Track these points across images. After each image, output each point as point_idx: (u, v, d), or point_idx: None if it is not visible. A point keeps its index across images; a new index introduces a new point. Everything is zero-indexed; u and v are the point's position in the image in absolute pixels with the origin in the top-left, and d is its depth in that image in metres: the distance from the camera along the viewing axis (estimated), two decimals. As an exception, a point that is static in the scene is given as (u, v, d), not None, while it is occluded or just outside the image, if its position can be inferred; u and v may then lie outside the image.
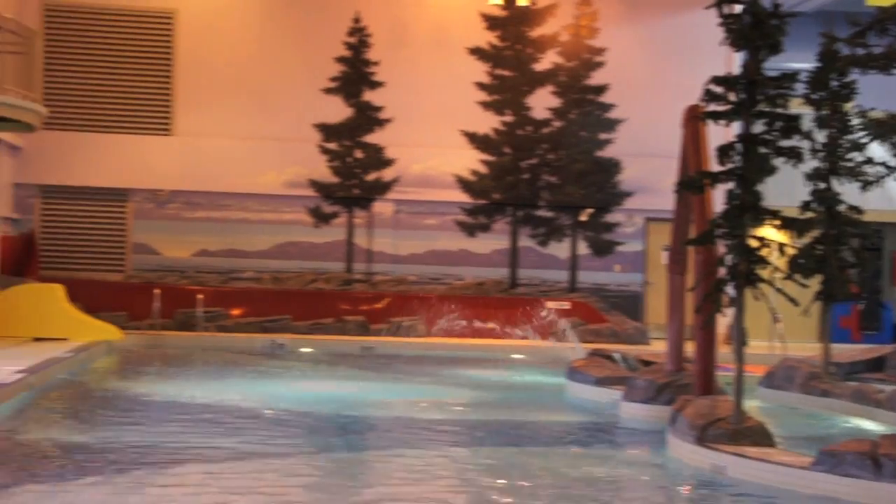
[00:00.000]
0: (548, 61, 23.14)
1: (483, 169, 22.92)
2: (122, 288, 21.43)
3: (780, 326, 18.59)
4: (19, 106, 17.93)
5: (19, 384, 11.87)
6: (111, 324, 18.45)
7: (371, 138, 22.75)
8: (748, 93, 9.51)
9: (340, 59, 22.62)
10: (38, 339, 17.05)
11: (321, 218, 22.64)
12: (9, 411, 10.84)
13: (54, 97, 21.39)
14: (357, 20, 22.66)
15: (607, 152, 23.20)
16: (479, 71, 22.93)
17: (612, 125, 23.21)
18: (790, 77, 9.55)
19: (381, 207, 22.79)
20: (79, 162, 21.81)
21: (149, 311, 20.11)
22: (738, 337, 9.35)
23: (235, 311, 21.14)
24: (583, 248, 23.23)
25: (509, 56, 23.03)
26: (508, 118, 23.06)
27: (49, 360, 14.24)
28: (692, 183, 10.42)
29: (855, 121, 13.88)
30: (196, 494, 7.59)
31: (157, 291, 20.16)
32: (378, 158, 22.71)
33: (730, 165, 9.51)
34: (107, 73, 22.03)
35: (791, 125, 9.48)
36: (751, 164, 9.42)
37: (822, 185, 13.58)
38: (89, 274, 21.74)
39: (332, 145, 22.61)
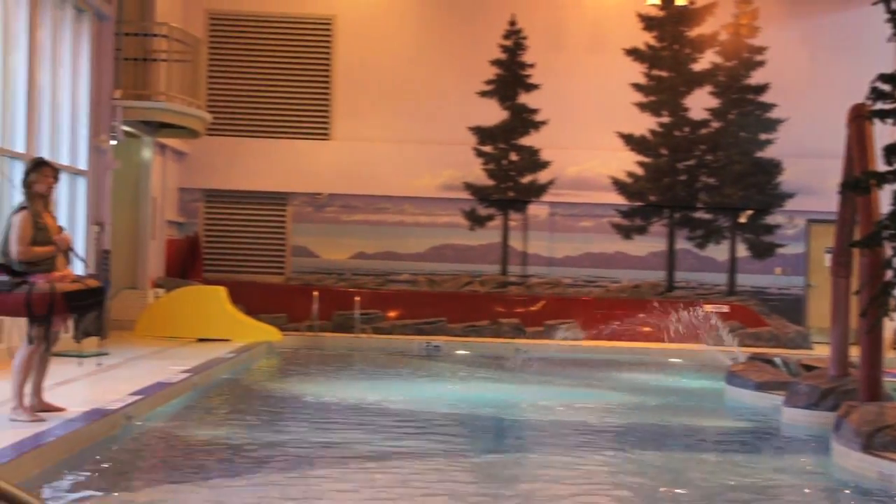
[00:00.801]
0: (706, 61, 22.79)
1: (639, 171, 22.69)
2: (281, 290, 21.86)
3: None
4: (185, 113, 18.47)
5: (184, 384, 12.20)
6: (271, 325, 18.82)
7: (526, 141, 22.73)
8: (916, 89, 9.18)
9: (496, 62, 22.66)
10: (201, 340, 17.49)
11: (476, 221, 22.72)
12: (174, 410, 11.16)
13: (217, 103, 21.96)
14: (513, 23, 22.67)
15: (767, 153, 22.73)
16: (636, 72, 22.70)
17: (772, 125, 22.72)
18: (961, 72, 9.19)
19: (537, 210, 22.75)
20: (240, 166, 22.33)
21: (307, 312, 20.47)
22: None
23: (391, 313, 21.36)
24: (742, 251, 22.79)
25: (666, 56, 22.75)
26: (665, 119, 22.77)
27: (212, 360, 14.61)
28: (857, 183, 10.12)
29: None
30: (354, 492, 7.68)
31: (315, 293, 20.51)
32: (533, 161, 22.68)
33: (897, 165, 9.20)
34: (267, 79, 22.52)
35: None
36: (919, 163, 9.10)
37: None
38: (250, 276, 22.24)
39: (487, 148, 22.67)
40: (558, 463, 9.13)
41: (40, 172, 9.03)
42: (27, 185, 8.98)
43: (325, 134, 22.68)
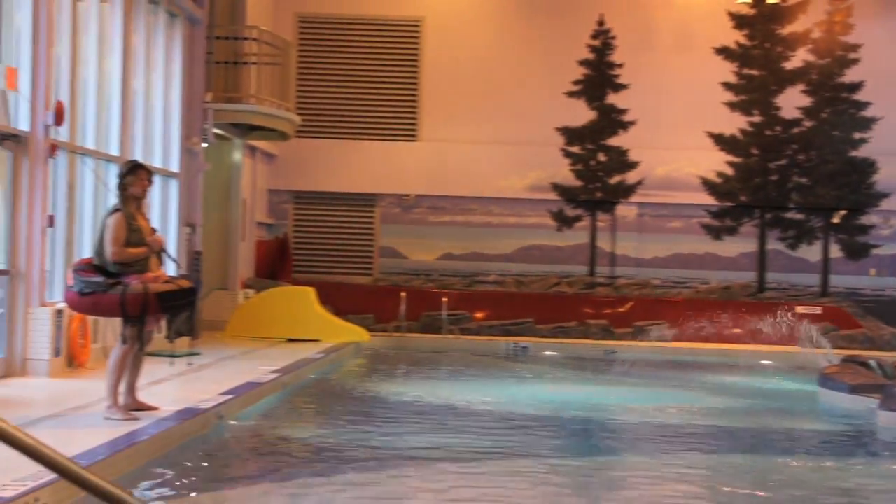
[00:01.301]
0: (798, 59, 22.46)
1: (729, 171, 22.44)
2: (369, 291, 21.99)
3: None
4: (274, 115, 18.67)
5: (274, 384, 12.33)
6: (359, 326, 18.93)
7: (614, 141, 22.61)
8: None
9: (584, 62, 22.57)
10: (290, 340, 17.66)
11: (564, 221, 22.65)
12: (263, 409, 11.28)
13: (306, 106, 22.16)
14: (601, 23, 22.56)
15: (861, 152, 22.33)
16: (726, 71, 22.46)
17: (867, 124, 22.32)
18: None
19: (625, 210, 22.61)
20: (329, 168, 22.51)
21: (395, 313, 20.56)
22: None
23: (479, 314, 21.37)
24: (835, 252, 22.42)
25: (757, 55, 22.47)
26: (756, 118, 22.50)
27: (301, 360, 14.74)
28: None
29: None
30: (441, 492, 7.69)
31: (403, 294, 20.60)
32: (621, 161, 22.54)
33: None
34: (356, 81, 22.67)
35: None
36: None
37: None
38: (339, 277, 22.41)
39: (574, 149, 22.59)
40: (650, 466, 9.06)
41: (136, 175, 9.18)
42: (122, 187, 9.13)
43: (412, 135, 22.77)
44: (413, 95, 22.74)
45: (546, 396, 13.36)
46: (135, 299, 8.81)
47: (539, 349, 19.42)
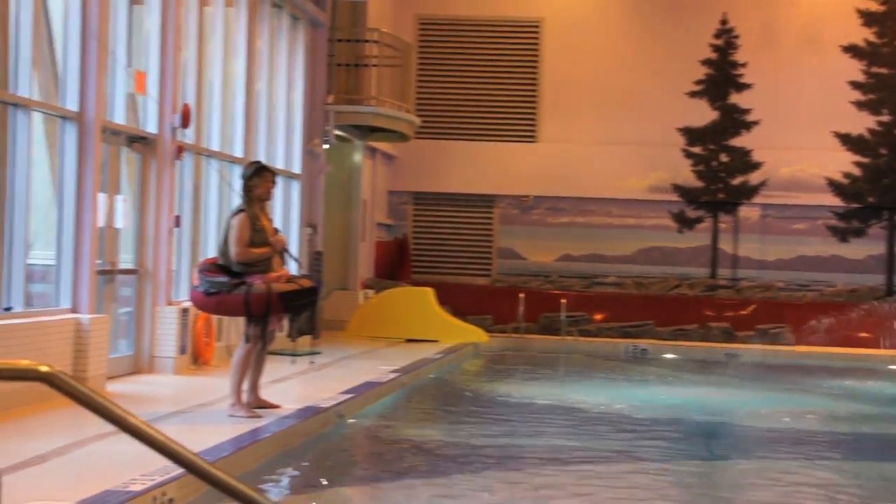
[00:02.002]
0: (929, 56, 21.89)
1: (856, 171, 21.96)
2: (488, 292, 22.03)
3: None
4: (395, 116, 18.83)
5: (393, 383, 12.44)
6: (478, 326, 18.97)
7: (737, 141, 22.30)
8: None
9: (706, 62, 22.31)
10: (409, 341, 17.78)
11: (685, 223, 22.41)
12: (383, 409, 11.40)
13: (426, 107, 22.30)
14: (724, 22, 22.28)
15: None
16: (854, 69, 21.99)
17: None
18: None
19: (748, 212, 22.29)
20: (448, 169, 22.61)
21: (513, 314, 20.56)
22: None
23: (598, 316, 21.27)
24: (967, 255, 21.79)
25: (887, 53, 21.96)
26: (885, 118, 21.99)
27: (420, 360, 14.84)
28: None
29: None
30: (560, 491, 7.69)
31: (521, 295, 20.59)
32: (744, 162, 22.23)
33: None
34: (475, 82, 22.74)
35: None
36: None
37: None
38: (457, 278, 22.49)
39: (696, 149, 22.34)
40: (769, 470, 8.94)
41: (261, 177, 9.34)
42: (247, 188, 9.29)
43: (531, 136, 22.75)
44: (532, 96, 22.72)
45: (665, 399, 13.24)
46: (258, 299, 8.97)
47: (659, 351, 19.24)
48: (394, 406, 11.74)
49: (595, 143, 22.38)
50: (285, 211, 16.61)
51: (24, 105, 9.62)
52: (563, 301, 20.63)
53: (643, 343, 19.66)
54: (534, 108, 22.73)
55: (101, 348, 10.24)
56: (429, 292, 18.72)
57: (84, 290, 10.31)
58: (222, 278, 9.05)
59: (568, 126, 22.52)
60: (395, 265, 21.93)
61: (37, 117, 10.07)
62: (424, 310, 18.39)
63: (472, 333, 18.48)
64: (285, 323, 9.56)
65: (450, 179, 22.65)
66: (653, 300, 21.65)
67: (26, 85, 9.65)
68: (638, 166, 22.31)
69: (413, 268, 22.49)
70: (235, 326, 13.01)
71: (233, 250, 9.09)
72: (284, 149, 16.57)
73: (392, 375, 12.77)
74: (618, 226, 22.58)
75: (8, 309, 9.39)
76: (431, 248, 22.85)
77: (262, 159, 12.49)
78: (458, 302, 20.89)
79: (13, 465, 6.55)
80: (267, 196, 9.36)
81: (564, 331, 20.29)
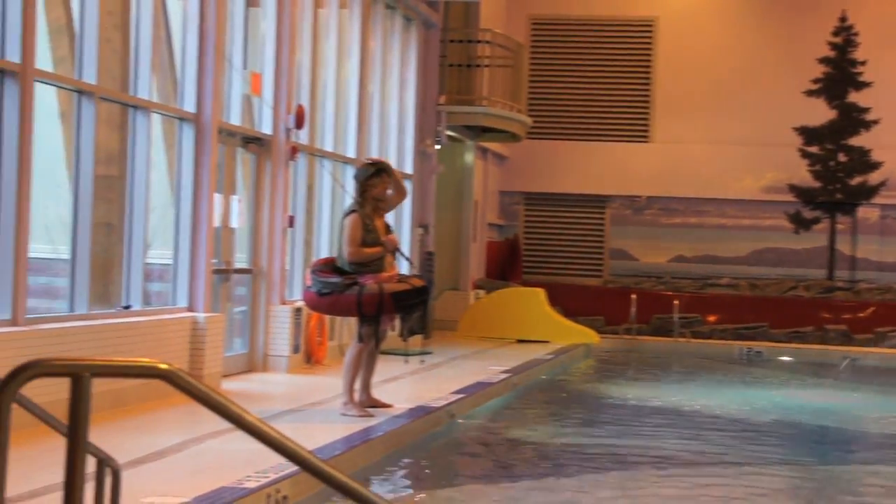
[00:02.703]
0: None
1: (981, 171, 21.36)
2: (599, 292, 21.91)
3: None
4: (506, 117, 18.83)
5: (504, 384, 12.44)
6: (589, 328, 18.89)
7: (856, 141, 21.84)
8: None
9: (824, 60, 21.90)
10: (520, 341, 17.77)
11: (801, 223, 22.02)
12: (493, 409, 11.41)
13: (537, 107, 22.25)
14: (843, 19, 21.84)
15: None
16: (978, 65, 21.38)
17: None
18: None
19: (866, 212, 21.81)
20: (560, 170, 22.54)
21: (625, 315, 20.42)
22: None
23: (711, 318, 21.02)
24: None
25: None
26: None
27: (531, 361, 14.81)
28: None
29: None
30: (674, 496, 7.62)
31: (633, 296, 20.45)
32: (863, 162, 21.76)
33: None
34: (587, 82, 22.63)
35: None
36: None
37: None
38: (568, 278, 22.41)
39: (813, 149, 21.94)
40: (887, 476, 8.73)
41: (380, 178, 9.37)
42: (364, 188, 9.32)
43: (644, 136, 22.56)
44: (646, 96, 22.53)
45: (780, 403, 13.03)
46: (371, 299, 9.03)
47: (773, 354, 18.94)
48: (504, 407, 11.74)
49: (709, 143, 22.11)
50: (397, 211, 16.70)
51: (144, 107, 9.83)
52: (676, 302, 20.43)
53: (757, 345, 19.37)
54: (647, 107, 22.53)
55: (217, 346, 10.42)
56: (540, 293, 18.68)
57: (200, 289, 10.50)
58: (335, 279, 9.13)
59: (682, 126, 22.28)
60: (506, 265, 21.93)
61: (155, 119, 10.28)
62: (535, 310, 18.37)
63: (584, 334, 18.39)
64: (397, 322, 9.61)
65: (561, 180, 22.57)
66: (767, 302, 21.32)
67: (146, 87, 9.86)
68: (753, 166, 21.98)
69: (524, 268, 22.47)
70: (348, 326, 13.13)
71: (345, 250, 9.18)
72: (396, 149, 16.67)
73: (503, 376, 12.77)
74: (732, 226, 22.28)
75: (127, 307, 9.61)
76: (542, 249, 22.80)
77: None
78: (569, 303, 20.82)
79: (132, 461, 6.70)
80: (382, 196, 9.39)
81: (677, 332, 20.09)
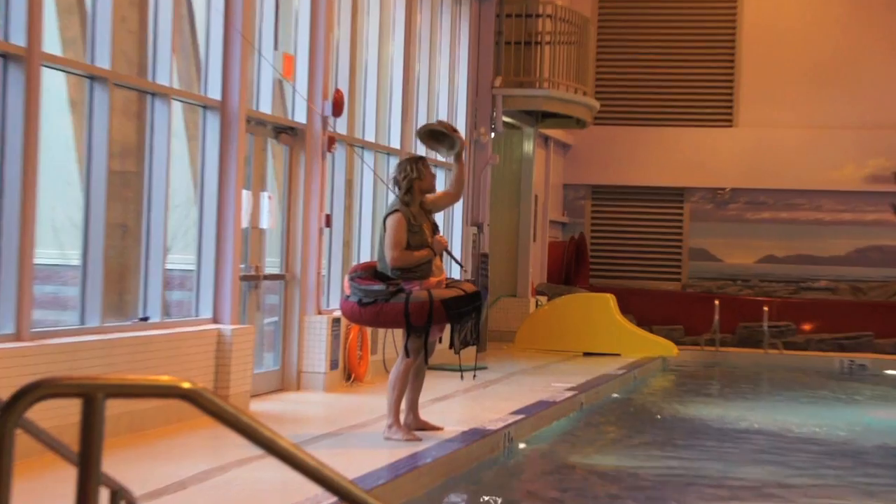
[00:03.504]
0: None
1: None
2: (677, 298, 21.82)
3: None
4: (570, 100, 18.80)
5: (569, 403, 12.41)
6: (666, 339, 18.81)
7: (971, 123, 21.63)
8: None
9: (933, 31, 21.69)
10: (587, 354, 17.73)
11: (909, 218, 21.83)
12: (557, 432, 11.39)
13: (606, 89, 22.21)
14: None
15: None
16: None
17: None
18: None
19: (985, 205, 21.59)
20: (631, 159, 22.47)
21: (707, 324, 20.31)
22: None
23: (807, 326, 20.86)
24: None
25: None
26: None
27: (600, 377, 14.78)
28: None
29: None
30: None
31: (716, 302, 20.34)
32: (980, 146, 21.54)
33: None
34: (662, 60, 22.56)
35: None
36: None
37: None
38: (642, 283, 22.34)
39: (922, 132, 21.74)
40: None
41: (425, 166, 9.40)
42: (407, 184, 9.33)
43: (727, 120, 22.44)
44: (729, 75, 22.41)
45: (887, 424, 12.91)
46: (419, 307, 9.03)
47: (879, 367, 18.77)
48: (570, 429, 11.72)
49: (803, 127, 21.95)
50: (448, 209, 16.71)
51: (164, 94, 9.91)
52: (766, 309, 20.29)
53: (860, 357, 19.20)
54: (730, 87, 22.41)
55: (245, 363, 10.49)
56: (609, 299, 18.63)
57: (226, 297, 10.57)
58: (377, 286, 9.14)
59: (771, 108, 22.14)
60: (570, 268, 21.90)
61: (176, 107, 10.36)
62: (605, 319, 18.32)
63: (660, 346, 18.32)
64: (446, 334, 9.61)
65: (634, 170, 22.52)
66: (872, 308, 21.12)
67: (166, 72, 9.94)
68: (854, 153, 21.79)
69: (591, 271, 22.43)
70: (392, 339, 13.16)
71: (388, 254, 9.18)
72: (446, 138, 16.68)
73: (568, 394, 12.75)
74: (830, 222, 22.11)
75: (145, 319, 9.69)
76: (612, 249, 22.74)
77: (422, 152, 12.59)
78: (644, 310, 20.76)
79: (151, 492, 6.75)
80: (431, 188, 9.40)
81: (767, 343, 19.95)
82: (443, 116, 16.53)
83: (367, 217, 14.09)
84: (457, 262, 10.10)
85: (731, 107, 22.45)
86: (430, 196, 9.42)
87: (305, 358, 12.16)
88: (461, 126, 17.09)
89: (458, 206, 16.94)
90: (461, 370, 9.87)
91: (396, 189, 9.42)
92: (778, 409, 13.92)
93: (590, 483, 9.08)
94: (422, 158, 9.53)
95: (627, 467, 9.71)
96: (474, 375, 10.23)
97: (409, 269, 9.19)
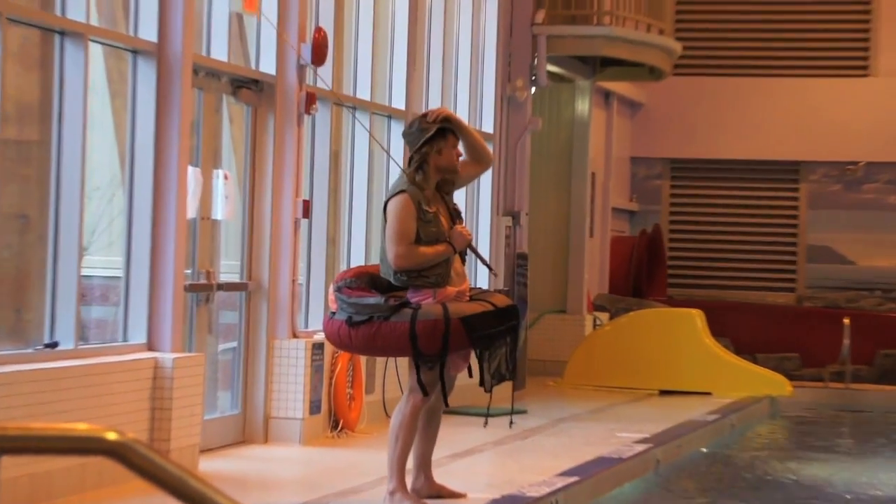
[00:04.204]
0: None
1: None
2: (791, 316, 21.78)
3: None
4: (642, 42, 18.76)
5: (640, 461, 12.40)
6: (775, 371, 18.76)
7: None
8: None
9: None
10: (664, 393, 17.68)
11: None
12: (626, 499, 11.38)
13: (689, 29, 22.20)
14: None
15: None
16: None
17: None
18: None
19: None
20: (725, 122, 22.43)
21: (834, 351, 20.27)
22: None
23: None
24: None
25: None
26: None
27: (682, 425, 14.75)
28: None
29: None
30: None
31: (845, 321, 20.31)
32: None
33: None
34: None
35: None
36: None
37: None
38: (741, 294, 22.29)
39: None
40: None
41: (444, 140, 9.30)
42: (420, 158, 9.25)
43: (861, 68, 22.42)
44: (864, 10, 22.38)
45: None
46: (431, 328, 8.99)
47: None
48: (642, 498, 11.70)
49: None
50: (470, 191, 16.71)
51: (78, 33, 9.92)
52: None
53: None
54: (867, 21, 22.38)
55: (193, 405, 10.49)
56: (696, 317, 18.60)
57: (166, 315, 10.57)
58: (372, 299, 9.09)
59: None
60: (641, 274, 21.87)
61: (95, 52, 10.37)
62: (689, 344, 18.29)
63: (767, 382, 18.28)
64: (471, 364, 9.60)
65: (728, 138, 22.49)
66: None
67: (80, 4, 9.94)
68: None
69: (670, 278, 22.40)
70: (395, 371, 13.14)
71: (390, 251, 9.15)
72: (468, 96, 16.67)
73: (638, 448, 12.75)
74: None
75: (52, 345, 9.69)
76: (699, 248, 22.73)
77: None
78: (744, 332, 20.73)
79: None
80: (450, 166, 9.33)
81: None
82: (464, 65, 16.52)
83: (359, 204, 14.07)
84: (485, 263, 10.02)
85: (866, 48, 22.42)
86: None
87: (276, 399, 12.17)
88: (489, 78, 17.06)
89: (486, 189, 16.92)
90: (489, 414, 9.84)
91: (410, 162, 9.34)
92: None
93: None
94: (446, 127, 9.37)
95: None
96: (511, 422, 10.20)
97: (419, 274, 9.15)
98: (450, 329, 8.98)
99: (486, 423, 10.22)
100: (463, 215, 9.87)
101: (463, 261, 9.45)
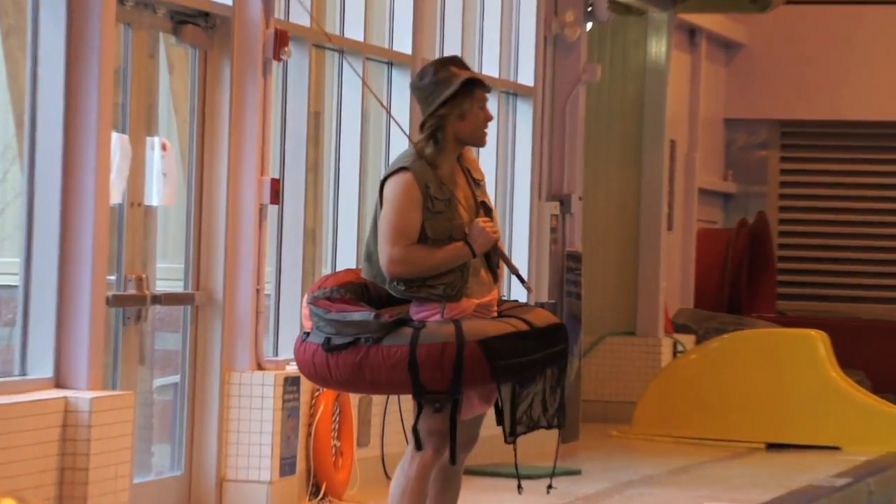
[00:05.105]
0: None
1: None
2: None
3: None
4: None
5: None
6: (927, 417, 18.83)
7: None
8: None
9: None
10: (772, 447, 17.73)
11: None
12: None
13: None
14: None
15: None
16: None
17: None
18: None
19: None
20: (857, 71, 22.48)
21: None
22: None
23: None
24: None
25: None
26: None
27: (800, 492, 14.81)
28: None
29: None
30: None
31: None
32: None
33: None
34: None
35: None
36: None
37: None
38: (878, 308, 22.35)
39: None
40: None
41: (470, 96, 9.24)
42: (435, 121, 9.20)
43: None
44: None
45: None
46: (438, 353, 8.99)
47: None
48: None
49: None
50: (501, 166, 16.77)
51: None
52: None
53: None
54: None
55: (118, 463, 10.56)
56: (818, 341, 18.64)
57: (80, 338, 10.63)
58: (358, 314, 9.10)
59: None
60: (740, 281, 21.92)
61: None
62: (808, 379, 18.35)
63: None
64: (499, 405, 9.63)
65: (863, 93, 22.54)
66: None
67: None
68: None
69: (780, 286, 22.44)
70: (397, 415, 13.21)
71: (382, 252, 9.13)
72: (499, 36, 16.74)
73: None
74: None
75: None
76: (821, 245, 22.80)
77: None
78: (883, 362, 20.79)
79: None
80: (478, 138, 9.30)
81: None
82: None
83: (349, 185, 14.14)
84: (514, 272, 9.86)
85: None
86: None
87: (233, 454, 12.25)
88: (527, 12, 17.14)
89: (523, 164, 16.96)
90: (521, 476, 9.85)
91: (422, 127, 9.32)
92: None
93: None
94: (473, 80, 9.30)
95: None
96: (549, 486, 10.18)
97: (423, 282, 9.15)
98: (464, 355, 8.95)
99: (519, 488, 10.21)
100: (494, 204, 9.79)
101: (490, 267, 9.36)
